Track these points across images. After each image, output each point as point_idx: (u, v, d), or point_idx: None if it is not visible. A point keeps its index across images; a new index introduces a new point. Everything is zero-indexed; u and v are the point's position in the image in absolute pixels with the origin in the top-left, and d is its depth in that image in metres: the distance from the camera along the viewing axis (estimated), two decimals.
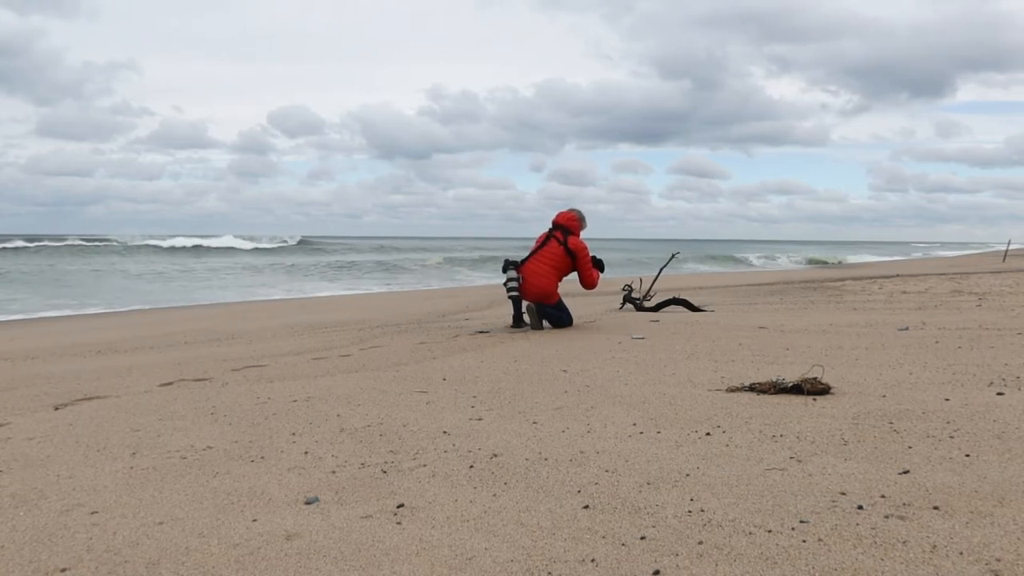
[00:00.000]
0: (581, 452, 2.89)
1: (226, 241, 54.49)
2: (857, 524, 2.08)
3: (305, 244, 60.12)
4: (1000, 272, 16.59)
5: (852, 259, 45.22)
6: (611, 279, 12.87)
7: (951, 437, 2.86)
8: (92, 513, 2.45)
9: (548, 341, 6.18)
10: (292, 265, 34.47)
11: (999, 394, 3.55)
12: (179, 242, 50.87)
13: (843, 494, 2.31)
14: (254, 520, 2.33)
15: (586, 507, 2.32)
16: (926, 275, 16.30)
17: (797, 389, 3.67)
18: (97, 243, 47.90)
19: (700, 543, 2.02)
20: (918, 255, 56.62)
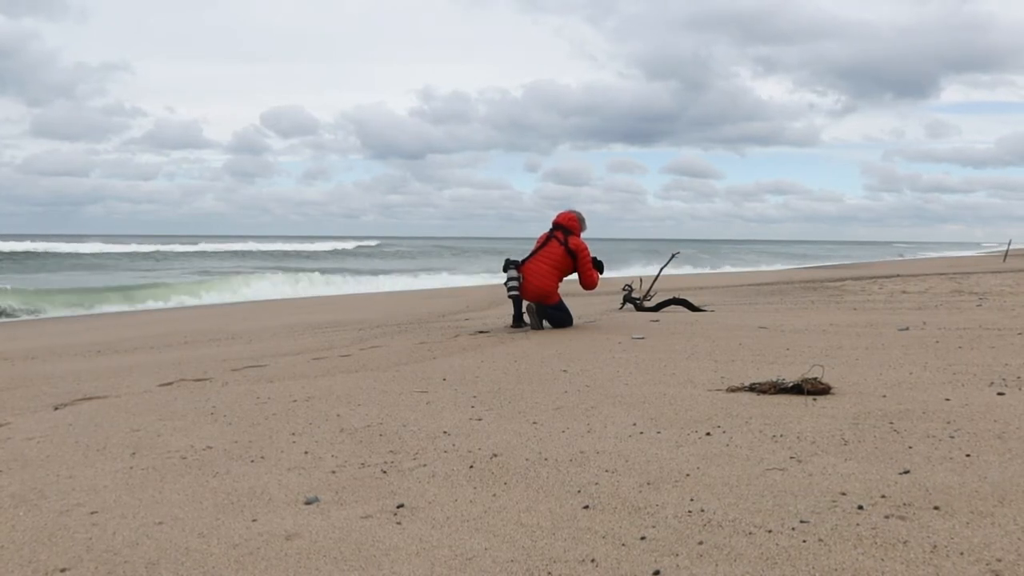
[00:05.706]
0: (581, 452, 2.89)
1: (324, 244, 56.20)
2: (857, 524, 2.08)
3: (387, 246, 60.59)
4: (1000, 272, 16.58)
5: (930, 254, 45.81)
6: (611, 279, 12.87)
7: (951, 437, 2.86)
8: (92, 513, 2.45)
9: (548, 341, 6.18)
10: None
11: (1000, 394, 3.55)
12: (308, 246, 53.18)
13: (843, 494, 2.31)
14: (254, 520, 2.33)
15: (586, 507, 2.32)
16: (926, 275, 16.29)
17: (797, 389, 3.67)
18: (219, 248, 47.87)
19: (700, 543, 2.01)
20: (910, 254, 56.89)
